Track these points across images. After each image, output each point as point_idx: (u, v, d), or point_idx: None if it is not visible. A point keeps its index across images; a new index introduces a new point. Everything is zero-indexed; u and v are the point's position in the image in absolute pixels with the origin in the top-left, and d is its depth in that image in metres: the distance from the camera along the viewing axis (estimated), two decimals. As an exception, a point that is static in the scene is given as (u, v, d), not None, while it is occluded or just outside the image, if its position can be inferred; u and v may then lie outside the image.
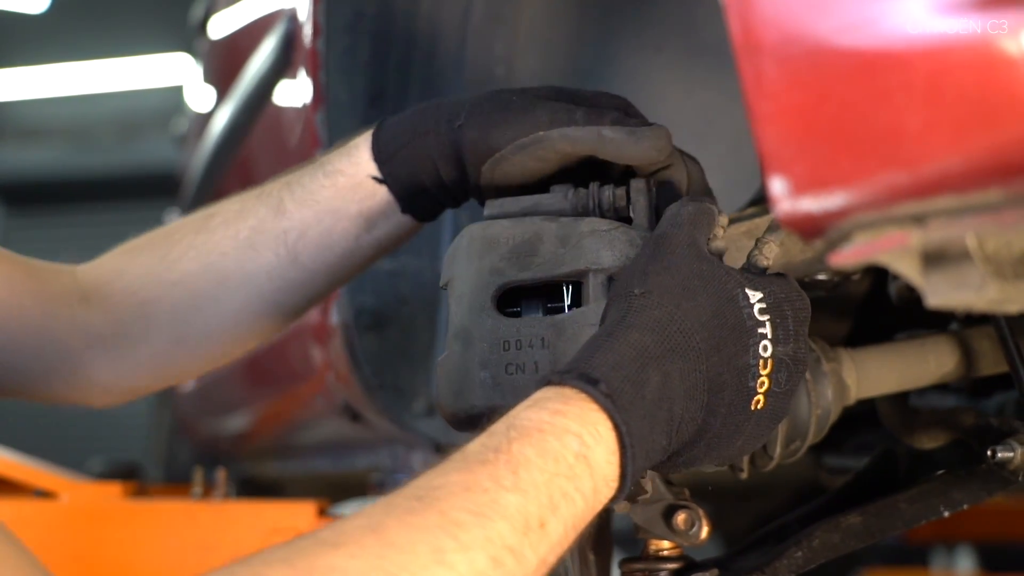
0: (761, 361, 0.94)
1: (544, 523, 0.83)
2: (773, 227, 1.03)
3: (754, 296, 0.95)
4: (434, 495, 0.81)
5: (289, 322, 1.25)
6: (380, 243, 1.20)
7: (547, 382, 0.90)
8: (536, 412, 0.87)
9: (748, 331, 0.94)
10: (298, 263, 1.19)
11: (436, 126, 1.13)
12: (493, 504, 0.81)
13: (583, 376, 0.88)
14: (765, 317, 0.95)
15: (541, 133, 1.08)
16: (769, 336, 0.95)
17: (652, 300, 0.93)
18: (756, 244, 1.03)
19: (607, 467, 0.87)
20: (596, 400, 0.87)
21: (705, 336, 0.92)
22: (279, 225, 1.19)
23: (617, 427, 0.87)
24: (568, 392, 0.88)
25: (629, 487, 0.89)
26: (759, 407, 0.95)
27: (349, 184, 1.17)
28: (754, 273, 0.99)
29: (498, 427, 0.87)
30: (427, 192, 1.16)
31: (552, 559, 0.85)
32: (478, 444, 0.86)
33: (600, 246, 1.04)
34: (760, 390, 0.95)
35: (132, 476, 2.94)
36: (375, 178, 1.16)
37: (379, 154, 1.16)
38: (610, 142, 1.06)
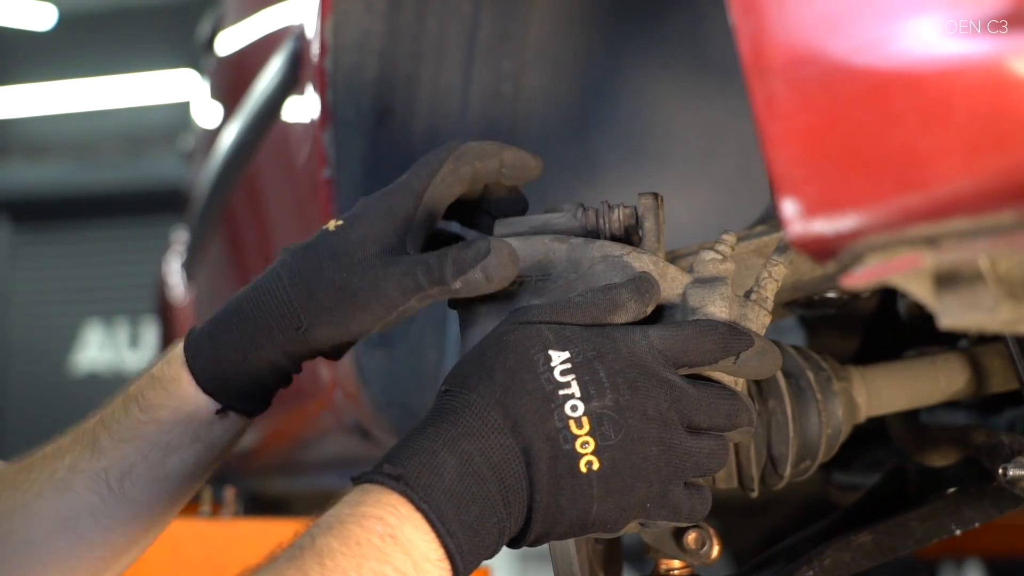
0: (572, 422, 0.92)
1: None
2: (782, 247, 1.03)
3: (558, 357, 0.94)
4: None
5: (134, 556, 1.18)
6: (225, 447, 1.14)
7: (353, 481, 0.92)
8: (337, 508, 0.90)
9: (548, 395, 0.93)
10: (128, 499, 1.12)
11: (272, 337, 1.07)
12: None
13: (378, 470, 0.91)
14: (569, 377, 0.93)
15: (401, 308, 1.05)
16: (577, 395, 0.93)
17: (452, 392, 0.95)
18: (765, 266, 1.03)
19: (424, 545, 0.88)
20: (388, 485, 0.89)
21: (501, 411, 0.93)
22: (96, 464, 1.12)
23: (417, 505, 0.89)
24: (366, 487, 0.91)
25: (465, 567, 0.90)
26: (594, 468, 0.92)
27: (176, 418, 1.10)
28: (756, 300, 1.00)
29: (306, 529, 0.89)
30: (273, 390, 1.12)
31: None
32: (287, 546, 0.88)
33: (612, 273, 1.03)
34: (584, 451, 0.92)
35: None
36: (217, 410, 1.10)
37: (208, 383, 1.09)
38: (468, 287, 1.04)
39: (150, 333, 9.19)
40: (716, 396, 0.97)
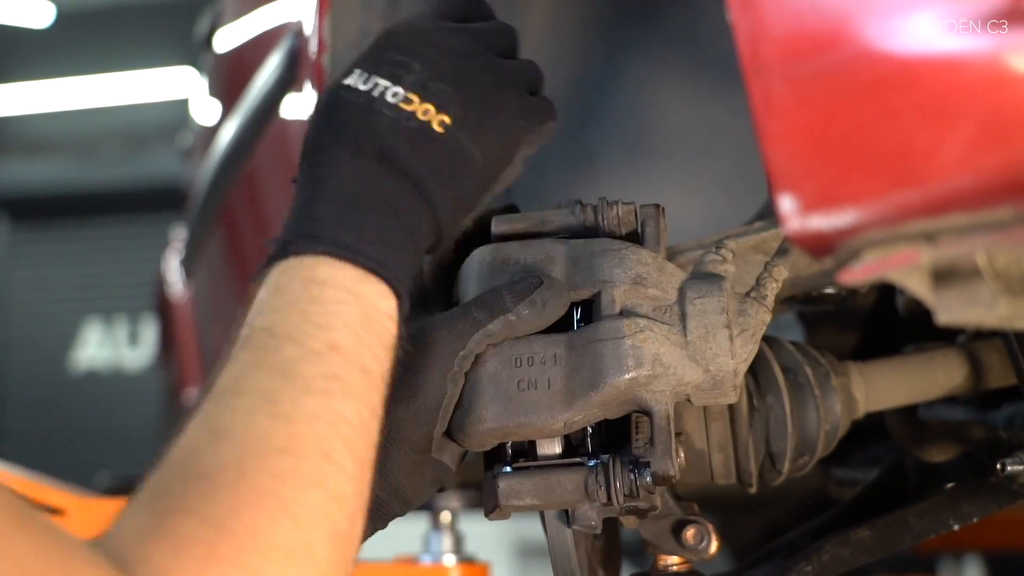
0: (400, 103, 0.97)
1: (334, 344, 0.86)
2: (783, 249, 1.03)
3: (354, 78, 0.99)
4: (238, 387, 0.85)
5: None
6: None
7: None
8: (255, 299, 0.91)
9: (364, 104, 0.97)
10: None
11: None
12: (280, 361, 0.85)
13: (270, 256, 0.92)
14: (370, 83, 0.98)
15: (462, 354, 1.03)
16: (386, 84, 0.97)
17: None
18: (765, 267, 1.03)
19: (340, 272, 0.90)
20: (284, 253, 0.91)
21: (341, 148, 0.96)
22: None
23: (309, 250, 0.91)
24: (268, 276, 0.91)
25: (393, 277, 0.92)
26: (448, 123, 0.97)
27: None
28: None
29: (237, 332, 0.91)
30: None
31: (378, 368, 0.89)
32: (233, 346, 0.90)
33: (611, 265, 1.04)
34: (428, 116, 0.97)
35: (139, 491, 2.93)
36: None
37: None
38: (523, 322, 1.03)
39: (149, 331, 9.19)
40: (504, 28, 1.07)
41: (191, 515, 0.77)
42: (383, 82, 0.97)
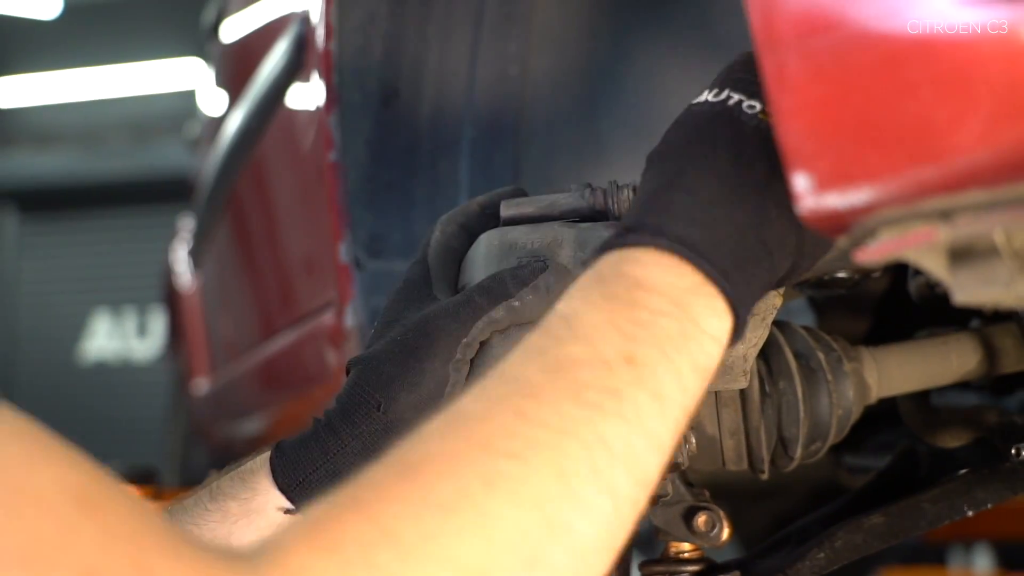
0: (760, 116, 0.85)
1: (632, 356, 0.74)
2: None
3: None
4: (503, 373, 0.75)
5: None
6: None
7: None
8: (573, 285, 0.80)
9: (719, 115, 0.87)
10: None
11: (353, 430, 1.01)
12: (560, 357, 0.74)
13: (601, 247, 0.82)
14: (722, 96, 0.88)
15: (465, 342, 1.00)
16: (743, 99, 0.87)
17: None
18: None
19: (675, 279, 0.78)
20: (619, 244, 0.80)
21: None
22: None
23: (656, 246, 0.78)
24: (596, 263, 0.81)
25: (734, 290, 0.79)
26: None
27: (242, 510, 1.03)
28: None
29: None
30: None
31: (679, 396, 0.76)
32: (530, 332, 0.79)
33: None
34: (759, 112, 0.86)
35: (149, 480, 2.93)
36: (286, 510, 1.03)
37: (284, 482, 1.03)
38: (526, 308, 0.99)
39: (158, 322, 9.20)
40: None
41: (359, 512, 0.66)
42: (736, 95, 0.87)
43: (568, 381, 0.73)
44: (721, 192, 0.81)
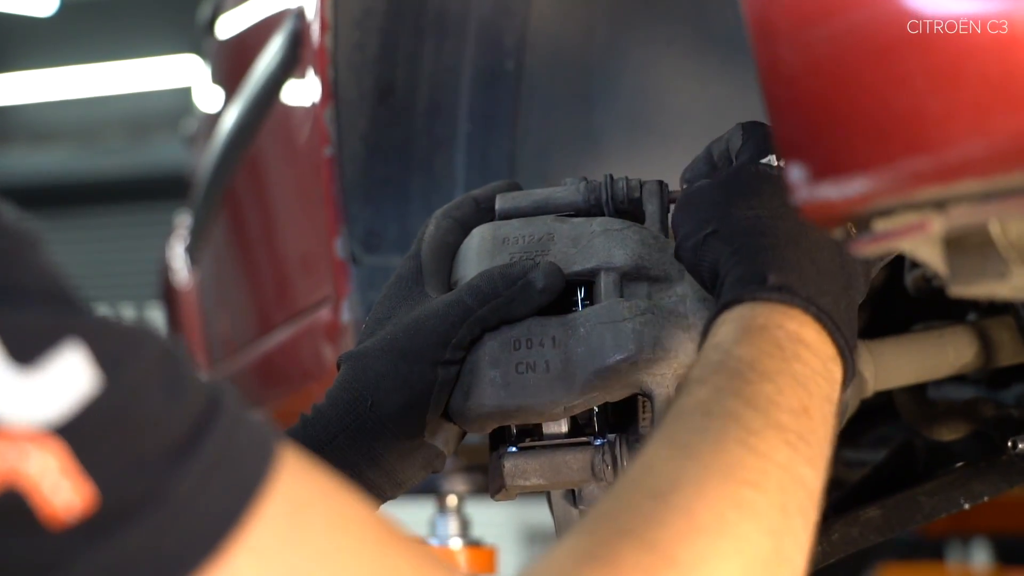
0: None
1: (807, 408, 0.81)
2: None
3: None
4: (701, 408, 0.79)
5: None
6: None
7: (711, 322, 0.88)
8: (727, 326, 0.86)
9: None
10: None
11: (342, 427, 1.02)
12: (756, 396, 0.79)
13: (753, 289, 0.87)
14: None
15: (454, 342, 1.00)
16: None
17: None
18: None
19: (823, 346, 0.85)
20: (774, 298, 0.86)
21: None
22: None
23: (806, 309, 0.85)
24: (743, 308, 0.86)
25: (854, 360, 0.87)
26: None
27: None
28: None
29: (702, 353, 0.85)
30: None
31: (821, 452, 0.81)
32: (696, 368, 0.84)
33: (612, 245, 1.02)
34: None
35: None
36: None
37: None
38: (515, 307, 1.01)
39: (155, 318, 9.19)
40: None
41: (633, 538, 0.71)
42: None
43: (774, 421, 0.78)
44: (827, 265, 0.89)
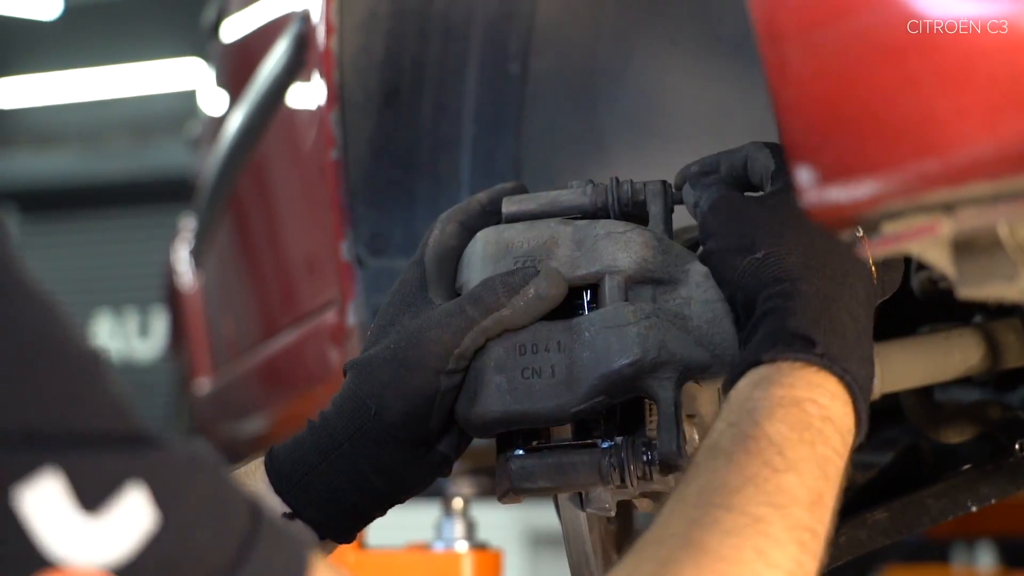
0: None
1: (822, 495, 0.84)
2: None
3: None
4: (726, 499, 0.82)
5: None
6: None
7: (749, 364, 0.90)
8: (764, 389, 0.88)
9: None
10: None
11: (348, 434, 1.02)
12: (779, 491, 0.82)
13: (795, 348, 0.89)
14: None
15: (457, 352, 1.01)
16: None
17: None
18: None
19: (846, 419, 0.88)
20: (815, 363, 0.88)
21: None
22: None
23: (842, 379, 0.88)
24: (783, 366, 0.89)
25: (867, 425, 0.90)
26: None
27: None
28: None
29: (731, 414, 0.87)
30: (349, 511, 1.04)
31: (825, 533, 0.85)
32: (725, 436, 0.86)
33: (615, 249, 1.02)
34: None
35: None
36: (283, 513, 1.02)
37: (280, 485, 1.03)
38: (518, 315, 1.01)
39: (159, 322, 9.20)
40: None
41: None
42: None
43: (787, 519, 0.82)
44: (863, 324, 0.92)
